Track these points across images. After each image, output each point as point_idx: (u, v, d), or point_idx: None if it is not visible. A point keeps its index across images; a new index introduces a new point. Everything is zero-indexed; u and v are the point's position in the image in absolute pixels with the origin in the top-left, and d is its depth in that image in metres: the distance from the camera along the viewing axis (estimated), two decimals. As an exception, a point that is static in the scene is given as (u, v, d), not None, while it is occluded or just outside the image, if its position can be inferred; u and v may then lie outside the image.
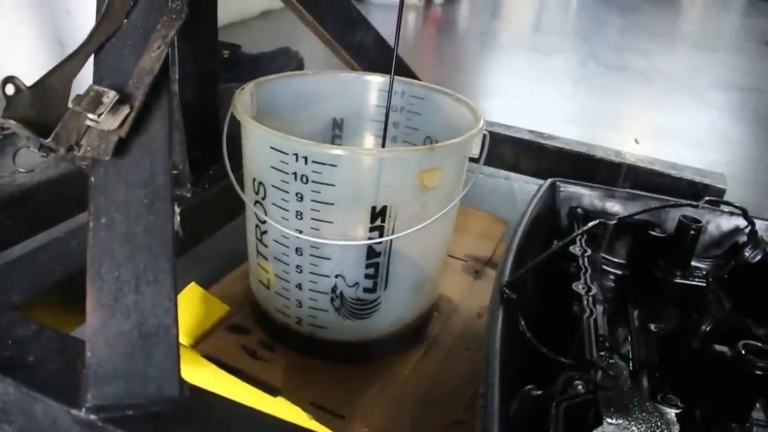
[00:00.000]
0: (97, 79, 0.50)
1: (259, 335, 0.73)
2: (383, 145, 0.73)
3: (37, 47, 1.34)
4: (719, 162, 1.65)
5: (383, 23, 0.96)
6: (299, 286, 0.66)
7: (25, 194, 0.73)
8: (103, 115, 0.46)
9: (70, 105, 0.48)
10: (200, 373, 0.60)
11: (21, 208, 0.73)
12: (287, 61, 1.31)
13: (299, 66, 1.32)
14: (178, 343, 0.45)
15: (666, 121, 2.02)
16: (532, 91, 2.24)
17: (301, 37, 1.05)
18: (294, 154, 0.59)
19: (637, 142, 1.72)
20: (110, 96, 0.47)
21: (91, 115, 0.46)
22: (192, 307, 0.74)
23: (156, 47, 0.52)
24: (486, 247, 0.96)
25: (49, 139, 0.46)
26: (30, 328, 0.50)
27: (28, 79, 0.48)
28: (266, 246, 0.68)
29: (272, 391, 0.61)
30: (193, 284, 0.76)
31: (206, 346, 0.70)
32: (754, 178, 1.60)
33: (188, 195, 0.79)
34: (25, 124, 0.46)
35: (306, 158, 0.58)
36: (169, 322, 0.45)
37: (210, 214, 0.82)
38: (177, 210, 0.49)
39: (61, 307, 0.59)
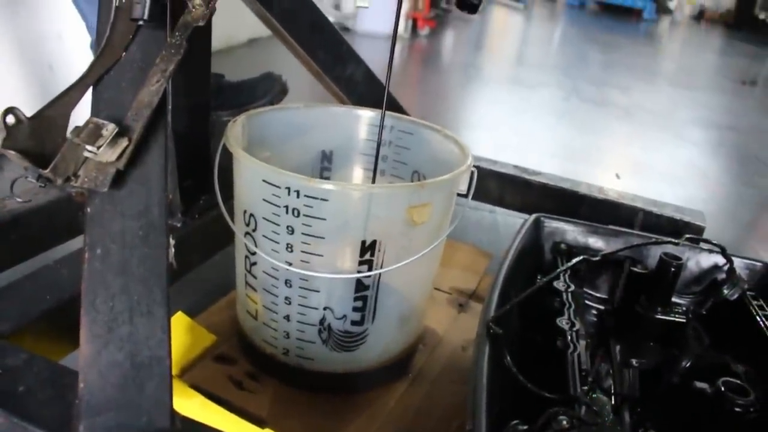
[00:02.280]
0: (95, 111, 0.51)
1: (245, 365, 0.73)
2: (373, 180, 0.74)
3: (27, 71, 1.35)
4: (697, 198, 1.69)
5: (368, 51, 0.98)
6: (287, 318, 0.67)
7: (15, 219, 0.73)
8: (102, 148, 0.47)
9: (68, 136, 0.49)
10: (188, 404, 0.60)
11: (11, 233, 0.73)
12: (271, 85, 1.30)
13: (283, 90, 1.31)
14: (170, 375, 0.45)
15: (646, 156, 2.06)
16: (515, 124, 2.27)
17: (290, 65, 1.06)
18: (286, 187, 0.60)
19: (618, 177, 1.76)
20: (109, 129, 0.48)
21: (89, 147, 0.47)
22: (178, 336, 0.74)
23: (155, 81, 0.53)
24: (470, 279, 0.97)
25: (47, 170, 0.47)
26: (20, 357, 0.50)
27: (16, 102, 0.48)
28: (255, 277, 0.68)
29: (259, 422, 0.61)
30: (179, 313, 0.76)
31: (192, 375, 0.70)
32: (732, 214, 1.63)
33: (178, 225, 0.79)
34: (24, 154, 0.47)
35: (298, 192, 0.59)
36: (162, 354, 0.45)
37: (199, 243, 0.82)
38: (172, 242, 0.49)
39: (50, 335, 0.59)
